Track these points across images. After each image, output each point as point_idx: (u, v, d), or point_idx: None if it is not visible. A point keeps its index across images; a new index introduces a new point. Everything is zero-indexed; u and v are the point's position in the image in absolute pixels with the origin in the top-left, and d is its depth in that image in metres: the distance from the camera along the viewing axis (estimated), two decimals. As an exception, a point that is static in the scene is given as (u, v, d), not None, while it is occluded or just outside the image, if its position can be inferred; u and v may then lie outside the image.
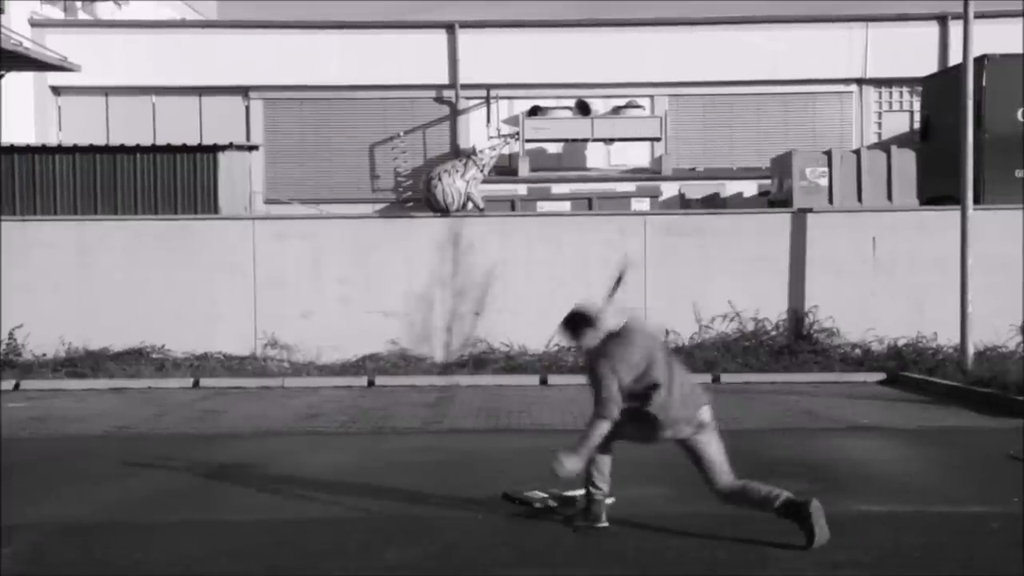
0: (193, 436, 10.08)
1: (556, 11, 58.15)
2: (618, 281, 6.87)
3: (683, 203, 20.37)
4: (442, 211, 16.32)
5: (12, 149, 16.99)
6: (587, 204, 19.43)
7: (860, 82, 21.61)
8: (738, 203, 20.19)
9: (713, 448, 6.02)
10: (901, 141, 19.82)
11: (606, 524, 6.24)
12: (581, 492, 6.72)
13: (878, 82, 21.62)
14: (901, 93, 21.71)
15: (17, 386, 14.01)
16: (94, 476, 8.02)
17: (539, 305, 15.28)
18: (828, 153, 16.63)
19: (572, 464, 5.93)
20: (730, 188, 20.98)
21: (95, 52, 20.74)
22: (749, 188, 20.78)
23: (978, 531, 6.14)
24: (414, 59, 21.30)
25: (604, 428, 6.01)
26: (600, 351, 6.13)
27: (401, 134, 21.72)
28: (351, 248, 15.57)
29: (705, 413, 6.02)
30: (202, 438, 9.92)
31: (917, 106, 20.64)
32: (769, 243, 15.31)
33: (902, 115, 21.63)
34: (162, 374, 14.52)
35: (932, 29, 21.28)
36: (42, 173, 16.68)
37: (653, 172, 21.39)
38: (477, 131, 21.54)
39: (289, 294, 15.40)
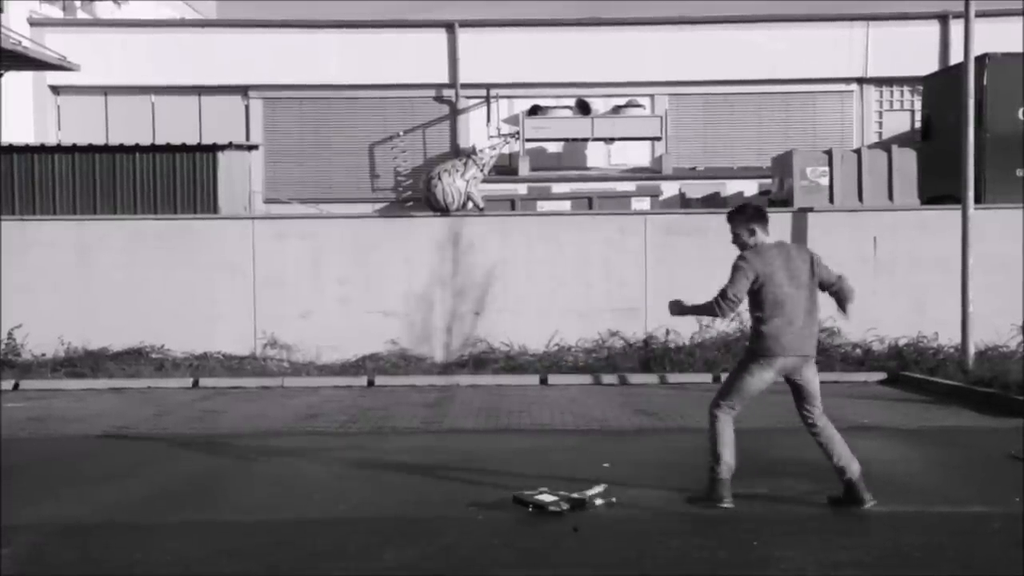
0: (193, 436, 10.06)
1: (556, 11, 58.14)
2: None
3: (683, 202, 20.35)
4: (442, 211, 16.31)
5: (11, 149, 16.98)
6: (587, 203, 19.41)
7: (861, 81, 21.59)
8: (739, 202, 20.12)
9: (816, 382, 6.55)
10: (902, 140, 19.80)
11: (730, 504, 6.38)
12: (593, 492, 6.71)
13: (879, 81, 21.60)
14: (902, 92, 21.69)
15: (16, 386, 14.00)
16: (93, 476, 8.00)
17: (539, 305, 15.29)
18: (829, 152, 16.60)
19: (674, 309, 6.61)
20: (730, 187, 20.96)
21: (94, 51, 20.73)
22: (750, 187, 20.76)
23: (979, 531, 6.12)
24: (414, 58, 21.28)
25: (711, 313, 6.45)
26: (754, 254, 6.49)
27: (401, 133, 21.71)
28: (351, 248, 15.56)
29: (813, 348, 6.51)
30: (202, 438, 9.90)
31: (918, 105, 20.62)
32: (769, 243, 15.27)
33: (903, 114, 21.61)
34: (162, 374, 14.52)
35: (933, 28, 21.26)
36: (41, 173, 16.66)
37: (653, 171, 21.37)
38: (477, 130, 21.52)
39: (289, 294, 15.39)
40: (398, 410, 11.75)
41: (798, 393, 6.62)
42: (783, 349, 6.43)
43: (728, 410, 6.57)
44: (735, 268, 6.45)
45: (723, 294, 6.41)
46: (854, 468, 6.54)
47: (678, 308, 6.64)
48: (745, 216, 6.66)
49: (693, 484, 7.11)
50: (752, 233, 6.60)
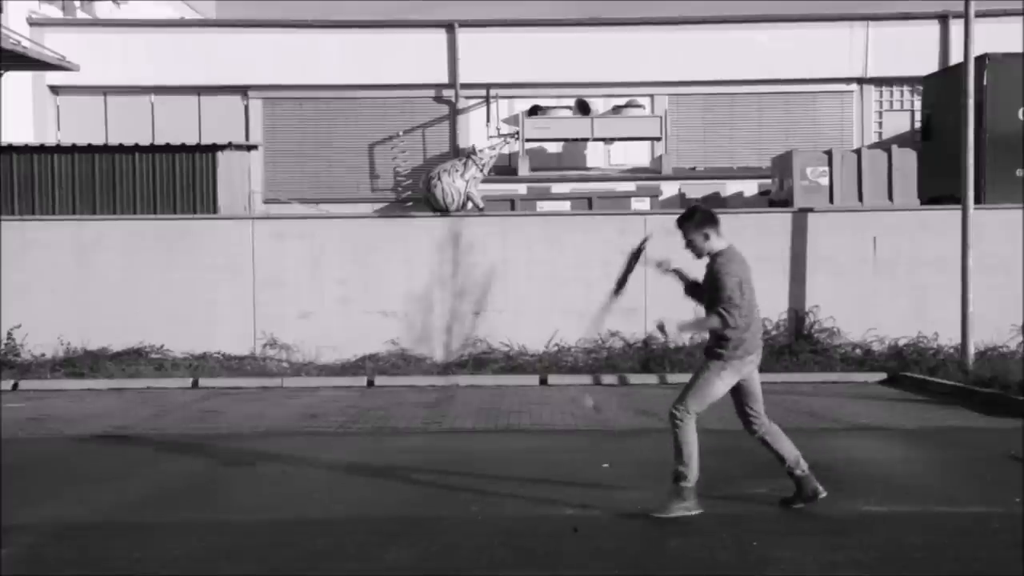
0: (192, 436, 10.05)
1: (556, 11, 58.13)
2: (636, 255, 6.74)
3: (683, 203, 20.30)
4: (442, 211, 16.30)
5: (10, 148, 16.97)
6: (587, 204, 19.38)
7: (861, 81, 21.57)
8: (739, 203, 20.16)
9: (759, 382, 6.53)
10: (902, 140, 19.79)
11: (699, 511, 6.28)
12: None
13: (879, 81, 21.58)
14: (902, 92, 21.69)
15: (15, 386, 14.00)
16: (93, 477, 8.00)
17: (539, 305, 15.28)
18: (829, 153, 16.60)
19: (674, 332, 6.40)
20: (730, 188, 20.95)
21: (94, 51, 20.71)
22: (750, 188, 20.75)
23: (978, 531, 6.12)
24: (414, 58, 21.27)
25: (716, 324, 6.23)
26: (730, 259, 6.32)
27: (400, 134, 21.70)
28: (350, 248, 15.56)
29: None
30: (201, 438, 9.90)
31: (918, 105, 20.61)
32: (770, 243, 15.28)
33: (903, 114, 21.60)
34: (161, 374, 14.51)
35: (933, 28, 21.24)
36: (41, 173, 16.65)
37: (653, 171, 21.36)
38: (477, 130, 21.50)
39: (288, 294, 15.39)
40: (398, 410, 11.74)
41: (742, 394, 6.55)
42: (754, 349, 6.45)
43: (691, 415, 6.40)
44: (727, 276, 6.26)
45: (730, 302, 6.21)
46: (803, 463, 6.58)
47: (677, 328, 6.40)
48: (696, 221, 6.41)
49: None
50: (707, 238, 6.39)
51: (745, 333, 6.34)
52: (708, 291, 6.41)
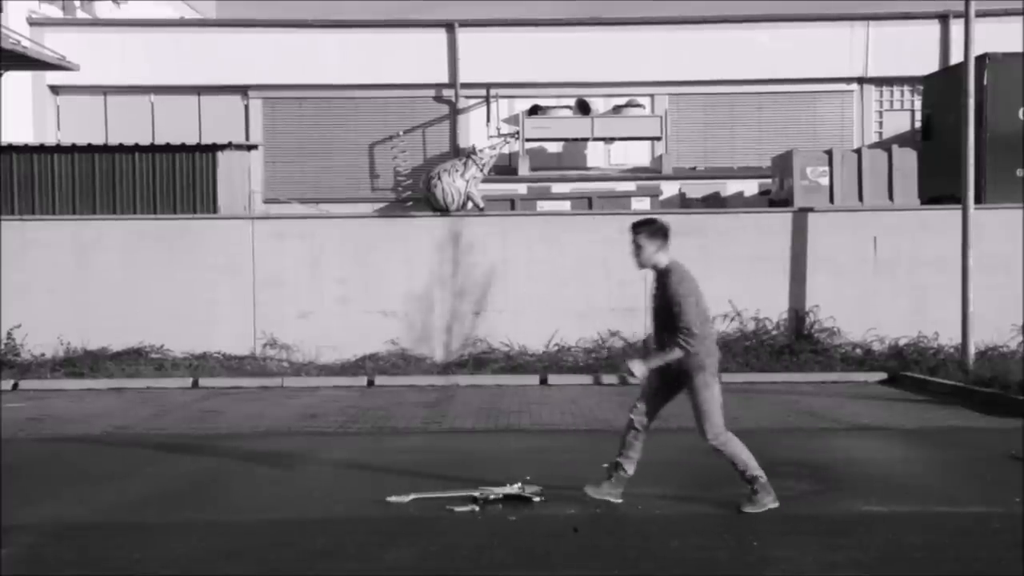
0: (192, 436, 10.05)
1: (556, 10, 58.07)
2: None
3: (683, 202, 20.33)
4: (442, 210, 16.30)
5: (10, 148, 16.97)
6: (587, 203, 19.37)
7: (861, 81, 21.57)
8: (739, 202, 20.16)
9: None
10: (902, 140, 19.79)
11: (776, 504, 6.41)
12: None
13: (879, 81, 21.58)
14: (902, 92, 21.68)
15: (15, 386, 14.02)
16: (93, 476, 8.00)
17: (539, 305, 15.29)
18: (829, 152, 16.60)
19: (639, 369, 6.45)
20: (731, 187, 20.94)
21: (94, 51, 20.70)
22: (750, 187, 20.75)
23: (979, 531, 6.11)
24: (414, 58, 21.27)
25: (679, 355, 6.34)
26: (682, 272, 6.40)
27: (401, 133, 21.69)
28: (350, 248, 15.56)
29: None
30: (202, 438, 9.90)
31: (918, 105, 20.60)
32: (770, 242, 15.29)
33: (903, 114, 21.59)
34: (161, 374, 14.52)
35: (933, 28, 21.24)
36: (40, 173, 16.65)
37: (653, 171, 21.35)
38: (477, 130, 21.50)
39: (288, 294, 15.39)
40: (398, 410, 11.74)
41: (664, 396, 6.68)
42: (716, 360, 6.58)
43: (722, 433, 6.44)
44: (685, 297, 6.31)
45: (689, 332, 6.29)
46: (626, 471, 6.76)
47: (644, 367, 6.48)
48: (651, 229, 6.49)
49: (693, 484, 7.11)
50: (657, 250, 6.47)
51: (709, 347, 6.47)
52: (662, 306, 6.46)
